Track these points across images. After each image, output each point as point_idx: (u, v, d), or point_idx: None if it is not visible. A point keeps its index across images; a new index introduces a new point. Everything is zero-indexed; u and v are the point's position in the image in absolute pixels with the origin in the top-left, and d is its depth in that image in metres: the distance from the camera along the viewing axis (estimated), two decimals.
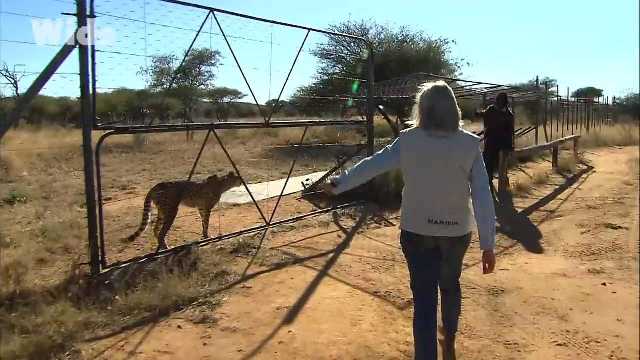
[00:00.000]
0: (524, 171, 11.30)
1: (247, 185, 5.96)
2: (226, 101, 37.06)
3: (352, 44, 20.91)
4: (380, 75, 14.59)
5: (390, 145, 2.75)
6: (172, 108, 27.02)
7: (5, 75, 25.15)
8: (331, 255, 5.19)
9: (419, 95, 2.69)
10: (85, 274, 4.14)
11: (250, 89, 6.20)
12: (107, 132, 4.32)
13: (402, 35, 21.11)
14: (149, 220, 4.97)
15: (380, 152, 2.82)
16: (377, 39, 20.75)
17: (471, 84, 11.61)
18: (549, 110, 19.41)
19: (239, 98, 36.48)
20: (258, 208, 5.95)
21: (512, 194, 8.57)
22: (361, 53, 20.23)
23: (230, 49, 5.31)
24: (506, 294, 4.14)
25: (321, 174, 8.85)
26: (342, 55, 20.91)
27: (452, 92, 2.66)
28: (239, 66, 5.42)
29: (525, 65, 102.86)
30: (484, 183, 2.61)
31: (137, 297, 3.78)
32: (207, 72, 26.08)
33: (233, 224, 6.28)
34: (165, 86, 23.49)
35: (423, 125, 2.60)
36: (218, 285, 4.22)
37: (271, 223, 6.02)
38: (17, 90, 25.61)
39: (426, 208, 2.60)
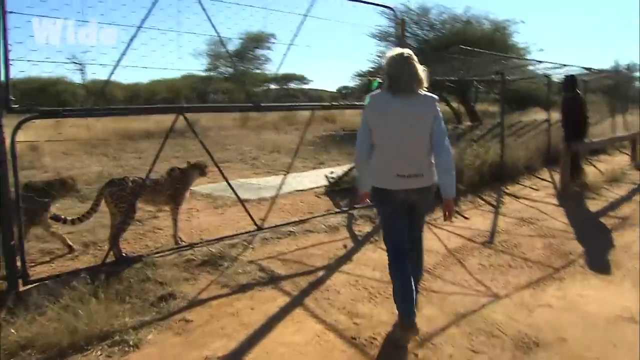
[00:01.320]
0: (594, 165, 9.37)
1: (237, 180, 4.98)
2: (292, 87, 36.60)
3: (413, 26, 19.18)
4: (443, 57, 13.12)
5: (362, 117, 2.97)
6: (230, 92, 26.70)
7: None
8: (321, 273, 4.10)
9: (385, 62, 2.95)
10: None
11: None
12: (28, 116, 3.47)
13: (466, 16, 19.12)
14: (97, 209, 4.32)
15: (360, 130, 2.97)
16: (438, 20, 18.91)
17: (530, 62, 9.72)
18: (630, 97, 16.92)
19: (305, 84, 35.97)
20: (245, 208, 4.96)
21: (579, 194, 6.98)
22: (423, 34, 18.64)
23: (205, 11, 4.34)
24: (541, 349, 2.87)
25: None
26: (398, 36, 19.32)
27: (415, 58, 2.89)
28: (221, 43, 4.42)
29: (606, 49, 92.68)
30: (443, 138, 2.87)
31: (37, 330, 2.93)
32: (263, 55, 25.40)
33: (223, 226, 5.36)
34: (219, 69, 23.06)
35: (389, 89, 2.87)
36: (153, 315, 3.28)
37: (264, 227, 5.01)
38: None
39: (394, 164, 2.88)
